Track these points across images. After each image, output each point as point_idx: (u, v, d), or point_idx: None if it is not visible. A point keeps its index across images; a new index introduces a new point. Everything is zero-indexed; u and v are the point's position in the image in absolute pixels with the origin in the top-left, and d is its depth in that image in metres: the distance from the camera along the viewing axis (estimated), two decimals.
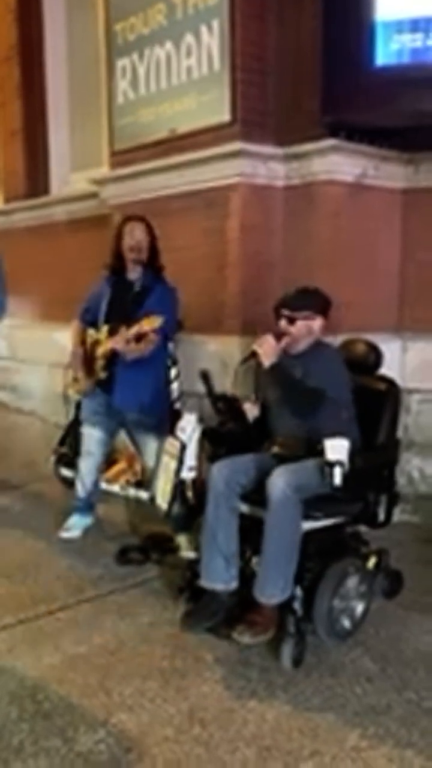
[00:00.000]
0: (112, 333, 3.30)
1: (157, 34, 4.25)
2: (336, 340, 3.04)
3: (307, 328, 2.73)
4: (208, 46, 3.94)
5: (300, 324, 2.72)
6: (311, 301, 2.76)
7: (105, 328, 3.37)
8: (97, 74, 4.92)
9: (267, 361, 2.67)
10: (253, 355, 2.72)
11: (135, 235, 3.35)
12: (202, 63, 3.99)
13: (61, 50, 5.87)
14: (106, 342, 3.32)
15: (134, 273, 3.41)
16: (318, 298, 2.78)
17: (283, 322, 2.73)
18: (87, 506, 3.58)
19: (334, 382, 2.65)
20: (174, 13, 4.13)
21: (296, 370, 2.70)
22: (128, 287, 3.41)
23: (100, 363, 3.36)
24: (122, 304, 3.37)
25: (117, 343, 3.22)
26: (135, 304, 3.33)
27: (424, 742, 2.03)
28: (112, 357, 3.31)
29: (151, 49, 4.29)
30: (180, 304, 3.45)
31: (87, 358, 3.42)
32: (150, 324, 3.14)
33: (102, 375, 3.36)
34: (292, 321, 2.72)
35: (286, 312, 2.73)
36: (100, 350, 3.34)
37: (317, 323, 2.75)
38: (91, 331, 3.45)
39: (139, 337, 3.21)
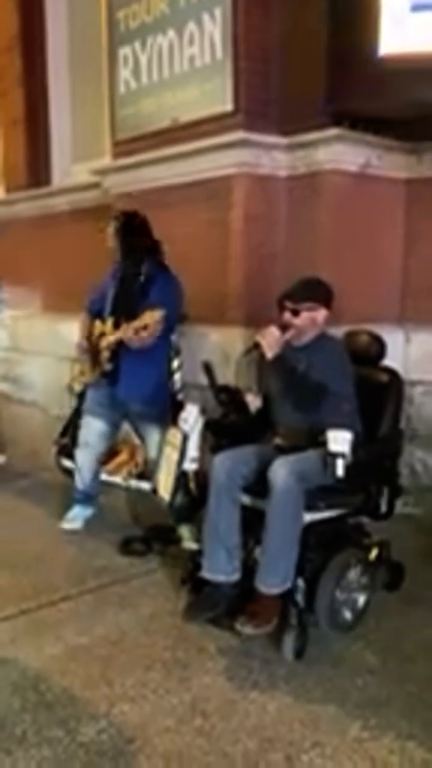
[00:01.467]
0: (117, 325, 3.31)
1: (159, 22, 4.20)
2: (339, 330, 3.02)
3: (311, 320, 2.71)
4: (211, 35, 3.90)
5: (304, 316, 2.70)
6: (315, 292, 2.74)
7: (110, 321, 3.37)
8: (99, 63, 4.88)
9: (270, 352, 2.65)
10: (256, 346, 2.70)
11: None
12: (205, 51, 3.95)
13: (62, 39, 5.82)
14: (110, 334, 3.32)
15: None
16: (321, 289, 2.76)
17: (287, 315, 2.71)
18: (88, 497, 3.59)
19: (338, 375, 2.63)
20: (176, 0, 4.09)
21: (300, 363, 2.69)
22: (132, 278, 3.41)
23: (105, 355, 3.36)
24: (126, 296, 3.38)
25: (125, 332, 3.21)
26: (139, 295, 3.33)
27: (424, 734, 2.04)
28: (117, 349, 3.31)
29: (154, 38, 4.24)
30: (183, 294, 3.44)
31: (93, 349, 3.43)
32: (152, 317, 3.15)
33: (107, 367, 3.37)
34: (296, 313, 2.70)
35: (289, 304, 2.71)
36: (104, 343, 3.35)
37: (321, 315, 2.73)
38: (97, 323, 3.46)
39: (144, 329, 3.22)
